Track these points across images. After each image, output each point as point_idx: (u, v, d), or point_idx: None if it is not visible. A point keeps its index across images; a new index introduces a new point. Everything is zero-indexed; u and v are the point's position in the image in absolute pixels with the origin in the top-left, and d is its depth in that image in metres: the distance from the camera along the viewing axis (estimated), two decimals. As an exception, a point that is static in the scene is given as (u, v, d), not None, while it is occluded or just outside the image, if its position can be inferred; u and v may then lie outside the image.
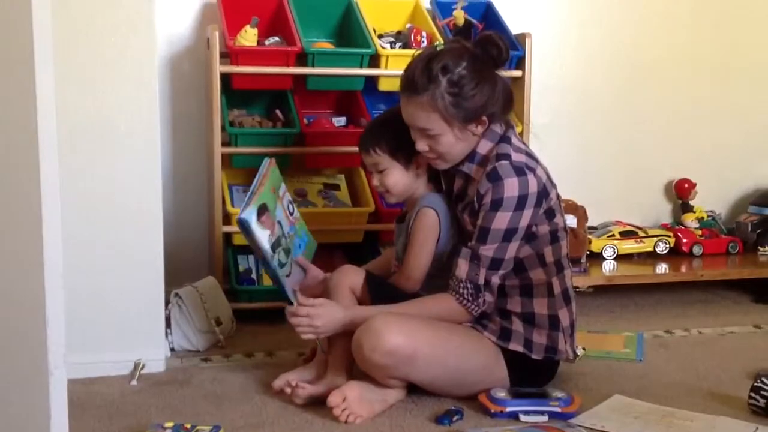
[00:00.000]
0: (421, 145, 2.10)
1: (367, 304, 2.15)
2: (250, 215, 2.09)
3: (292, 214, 2.32)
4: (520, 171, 2.02)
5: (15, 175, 1.47)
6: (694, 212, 3.39)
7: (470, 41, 2.11)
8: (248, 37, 2.76)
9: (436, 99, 2.01)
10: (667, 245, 3.25)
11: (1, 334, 1.52)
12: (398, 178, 2.20)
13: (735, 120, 3.54)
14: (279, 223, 2.21)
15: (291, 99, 2.91)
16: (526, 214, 2.03)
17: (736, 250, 3.32)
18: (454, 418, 1.97)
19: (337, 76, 2.85)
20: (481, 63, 2.05)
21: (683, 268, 3.16)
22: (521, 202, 2.01)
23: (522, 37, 2.98)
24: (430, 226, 2.17)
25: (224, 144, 2.77)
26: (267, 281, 2.83)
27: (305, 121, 2.90)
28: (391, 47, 2.91)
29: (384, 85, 2.89)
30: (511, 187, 2.00)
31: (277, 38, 2.87)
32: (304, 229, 2.38)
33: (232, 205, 2.78)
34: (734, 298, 3.19)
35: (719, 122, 3.53)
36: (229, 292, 2.73)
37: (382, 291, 2.17)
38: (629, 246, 3.21)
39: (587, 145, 3.39)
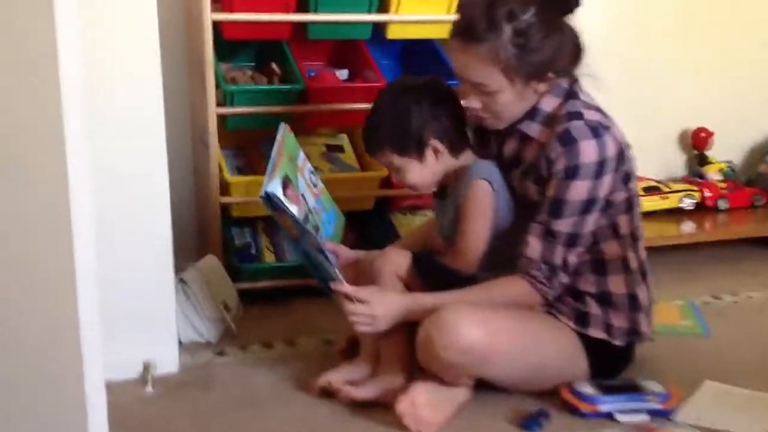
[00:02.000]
0: (473, 102, 1.81)
1: (417, 290, 1.85)
2: (276, 188, 1.75)
3: (315, 186, 2.00)
4: (596, 131, 1.73)
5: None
6: (712, 163, 3.17)
7: None
8: (242, -21, 2.37)
9: (498, 50, 1.71)
10: (694, 200, 3.01)
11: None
12: (418, 174, 1.90)
13: (747, 65, 3.29)
14: (303, 196, 1.89)
15: (288, 50, 2.54)
16: (606, 181, 1.75)
17: (761, 203, 3.11)
18: (542, 422, 1.69)
19: (342, 23, 2.49)
20: (550, 9, 1.74)
21: (711, 225, 2.95)
22: (600, 168, 1.73)
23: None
24: (484, 199, 1.86)
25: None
26: (270, 257, 2.50)
27: (307, 75, 2.53)
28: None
29: (393, 33, 2.54)
30: (588, 151, 1.72)
31: (270, -19, 2.48)
32: (331, 203, 2.06)
33: (230, 173, 2.43)
34: (763, 254, 2.98)
35: (731, 67, 3.27)
36: (229, 272, 2.38)
37: (434, 275, 1.86)
38: (653, 203, 2.95)
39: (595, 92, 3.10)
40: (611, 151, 1.74)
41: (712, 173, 3.13)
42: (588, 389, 1.75)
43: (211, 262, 2.32)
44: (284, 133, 1.94)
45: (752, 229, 2.95)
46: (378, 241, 2.58)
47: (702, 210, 3.03)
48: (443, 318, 1.70)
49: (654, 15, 3.14)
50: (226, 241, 2.47)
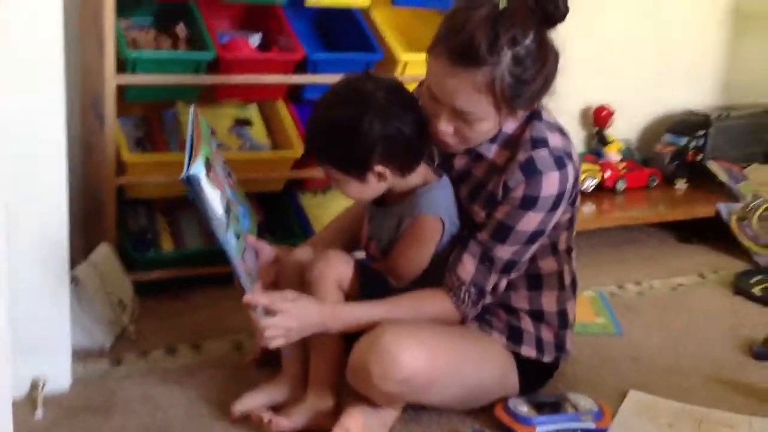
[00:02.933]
0: (445, 127, 1.63)
1: (354, 299, 1.74)
2: (200, 170, 1.57)
3: (229, 175, 1.84)
4: (560, 162, 1.64)
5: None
6: (611, 142, 3.19)
7: None
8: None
9: (495, 78, 1.54)
10: (595, 180, 3.03)
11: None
12: (357, 191, 1.73)
13: (643, 41, 3.31)
14: (223, 184, 1.73)
15: (197, 10, 2.32)
16: (559, 212, 1.69)
17: (656, 183, 3.17)
18: (480, 443, 1.66)
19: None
20: (543, 30, 1.58)
21: (609, 207, 2.98)
22: (558, 201, 1.65)
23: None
24: (431, 235, 1.72)
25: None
26: (168, 242, 2.33)
27: (218, 40, 2.33)
28: (316, -48, 2.38)
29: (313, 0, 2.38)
30: (550, 184, 1.63)
31: (180, -66, 2.25)
32: (243, 197, 1.90)
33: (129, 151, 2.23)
34: (659, 237, 3.06)
35: (629, 43, 3.28)
36: (122, 261, 2.17)
37: (373, 285, 1.75)
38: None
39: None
40: (571, 181, 1.67)
41: (612, 153, 3.15)
42: (523, 408, 1.73)
43: (105, 252, 2.10)
44: (197, 116, 1.74)
45: (647, 215, 2.99)
46: (286, 224, 2.47)
47: (601, 191, 3.05)
48: (381, 345, 1.58)
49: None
50: (119, 226, 2.26)
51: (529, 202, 1.63)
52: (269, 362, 1.87)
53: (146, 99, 2.29)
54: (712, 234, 2.98)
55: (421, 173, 1.74)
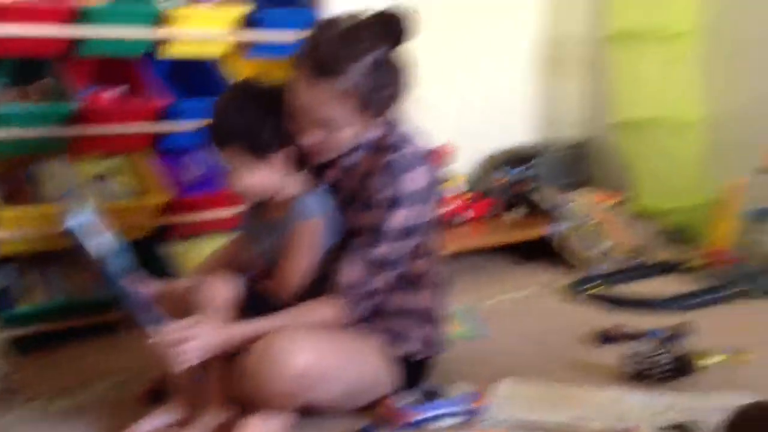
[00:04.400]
0: (311, 137, 1.80)
1: (239, 319, 1.84)
2: (79, 219, 1.68)
3: (102, 221, 1.91)
4: (419, 162, 1.85)
5: None
6: (454, 177, 3.46)
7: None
8: (7, -10, 2.19)
9: (350, 87, 1.73)
10: (445, 212, 3.26)
11: None
12: (260, 177, 1.84)
13: (475, 81, 3.64)
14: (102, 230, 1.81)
15: (57, 67, 2.38)
16: (426, 208, 1.88)
17: (495, 213, 3.44)
18: (376, 437, 1.79)
19: (116, 39, 2.37)
20: (392, 45, 1.80)
21: (457, 236, 3.20)
22: (420, 198, 1.84)
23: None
24: (313, 240, 1.87)
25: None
26: (39, 297, 2.31)
27: (79, 94, 2.38)
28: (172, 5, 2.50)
29: (173, 50, 2.48)
30: (411, 181, 1.82)
31: (37, -7, 2.32)
32: (118, 239, 1.98)
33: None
34: (501, 261, 3.32)
35: (463, 83, 3.60)
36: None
37: (256, 301, 1.88)
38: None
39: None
40: (431, 179, 1.86)
41: (456, 186, 3.41)
42: (405, 400, 1.87)
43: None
44: (70, 167, 1.82)
45: (490, 240, 3.26)
46: (153, 272, 2.50)
47: (448, 221, 3.27)
48: (273, 348, 1.71)
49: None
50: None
51: (395, 201, 1.81)
52: (159, 396, 1.92)
53: (8, 153, 2.29)
54: (548, 253, 3.27)
55: (299, 183, 1.89)
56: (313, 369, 1.73)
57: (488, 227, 3.35)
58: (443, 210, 3.22)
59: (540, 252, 3.29)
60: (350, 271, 1.84)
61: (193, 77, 2.65)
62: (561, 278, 3.05)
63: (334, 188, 1.92)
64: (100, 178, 2.47)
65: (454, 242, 3.12)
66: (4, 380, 2.02)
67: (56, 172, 1.75)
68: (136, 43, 2.42)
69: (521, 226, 3.36)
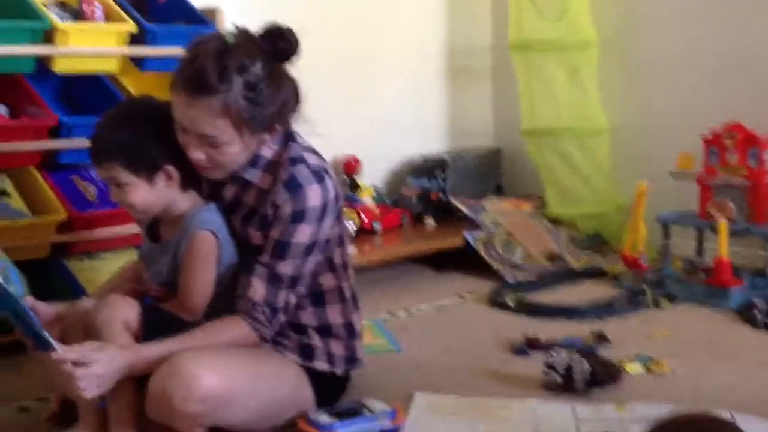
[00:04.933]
0: (197, 154, 1.75)
1: (140, 340, 1.76)
2: None
3: None
4: (319, 176, 1.79)
5: None
6: (362, 188, 3.41)
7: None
8: None
9: (229, 103, 1.68)
10: (356, 225, 3.22)
11: None
12: (142, 195, 1.79)
13: (382, 95, 3.61)
14: None
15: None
16: (327, 223, 1.82)
17: (407, 222, 3.42)
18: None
19: (3, 56, 2.27)
20: (273, 60, 1.75)
21: (370, 247, 3.16)
22: (323, 212, 1.79)
23: (211, 13, 2.68)
24: (208, 252, 1.81)
25: None
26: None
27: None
28: (60, 21, 2.40)
29: (61, 66, 2.40)
30: (313, 195, 1.77)
31: None
32: (6, 259, 1.87)
33: None
34: (417, 270, 3.29)
35: (370, 97, 3.57)
36: None
37: (159, 324, 1.78)
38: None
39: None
40: (332, 194, 1.81)
41: (365, 198, 3.37)
42: (323, 418, 1.81)
43: None
44: None
45: (407, 250, 3.22)
46: (56, 290, 2.40)
47: (360, 234, 3.24)
48: (180, 369, 1.63)
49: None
50: None
51: (297, 216, 1.76)
52: (67, 415, 1.84)
53: None
54: (464, 263, 3.24)
55: (191, 199, 1.84)
56: (220, 390, 1.66)
57: (401, 238, 3.31)
58: (351, 222, 3.17)
59: (455, 261, 3.27)
60: (255, 289, 1.77)
61: (88, 93, 2.55)
62: (480, 287, 3.03)
63: (233, 205, 1.86)
64: (-8, 197, 2.37)
65: (366, 254, 3.09)
66: None
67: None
68: (23, 59, 2.32)
69: (434, 236, 3.34)
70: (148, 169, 1.77)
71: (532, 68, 3.48)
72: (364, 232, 3.26)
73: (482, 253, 3.23)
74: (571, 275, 3.17)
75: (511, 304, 2.80)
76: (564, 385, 2.05)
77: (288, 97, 1.77)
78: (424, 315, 2.76)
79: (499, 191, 3.77)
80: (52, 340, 1.63)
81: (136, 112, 1.83)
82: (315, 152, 1.87)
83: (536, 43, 3.42)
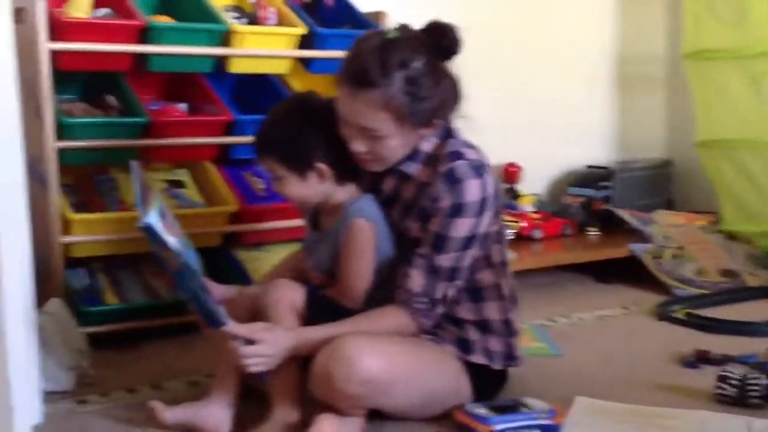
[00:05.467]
0: (358, 146, 1.79)
1: (304, 324, 1.81)
2: (154, 218, 1.66)
3: (174, 225, 1.90)
4: (478, 171, 1.79)
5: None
6: (523, 196, 3.37)
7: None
8: (80, 6, 2.24)
9: (390, 97, 1.72)
10: (514, 231, 3.18)
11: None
12: (296, 189, 1.87)
13: (548, 105, 3.57)
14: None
15: (125, 82, 2.41)
16: (486, 218, 1.81)
17: (569, 232, 3.34)
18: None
19: (183, 56, 2.41)
20: (436, 56, 1.78)
21: (529, 253, 3.11)
22: (483, 206, 1.79)
23: (377, 16, 2.74)
24: (366, 239, 1.85)
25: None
26: (113, 299, 2.34)
27: (149, 108, 2.41)
28: (237, 24, 2.52)
29: (236, 67, 2.51)
30: (472, 190, 1.77)
31: (108, 10, 2.36)
32: (188, 242, 1.96)
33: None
34: (578, 280, 3.21)
35: (536, 106, 3.53)
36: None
37: (322, 308, 1.83)
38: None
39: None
40: (491, 189, 1.80)
41: (526, 205, 3.33)
42: (481, 410, 1.78)
43: (57, 304, 2.12)
44: (140, 171, 1.84)
45: (568, 257, 3.15)
46: (225, 278, 2.50)
47: (519, 240, 3.20)
48: (343, 350, 1.67)
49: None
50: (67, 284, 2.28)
51: (456, 210, 1.76)
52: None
53: (83, 163, 2.35)
54: (627, 274, 3.14)
55: (349, 191, 1.89)
56: (381, 374, 1.68)
57: (562, 246, 3.24)
58: (512, 226, 3.14)
59: (618, 273, 3.17)
60: (414, 280, 1.79)
61: (258, 92, 2.66)
62: (642, 299, 2.92)
63: (392, 198, 1.89)
64: (171, 186, 2.51)
65: (525, 260, 3.04)
66: (81, 375, 2.05)
67: (134, 175, 1.75)
68: (202, 59, 2.44)
69: (597, 246, 3.25)
70: (300, 166, 1.84)
71: (708, 78, 3.32)
72: (524, 239, 3.22)
73: (650, 265, 3.11)
74: (746, 293, 3.00)
75: (680, 317, 2.68)
76: (738, 399, 1.94)
77: (448, 93, 1.79)
78: (585, 323, 2.68)
79: (669, 205, 3.63)
80: (225, 315, 1.71)
81: (297, 109, 1.89)
82: (474, 148, 1.86)
83: (713, 51, 3.26)
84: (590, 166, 3.56)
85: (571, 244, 3.27)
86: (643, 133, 3.83)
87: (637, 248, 3.17)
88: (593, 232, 3.37)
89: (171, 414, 1.77)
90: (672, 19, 3.71)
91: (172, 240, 1.69)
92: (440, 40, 1.77)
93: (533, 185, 3.51)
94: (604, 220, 3.41)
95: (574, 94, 3.65)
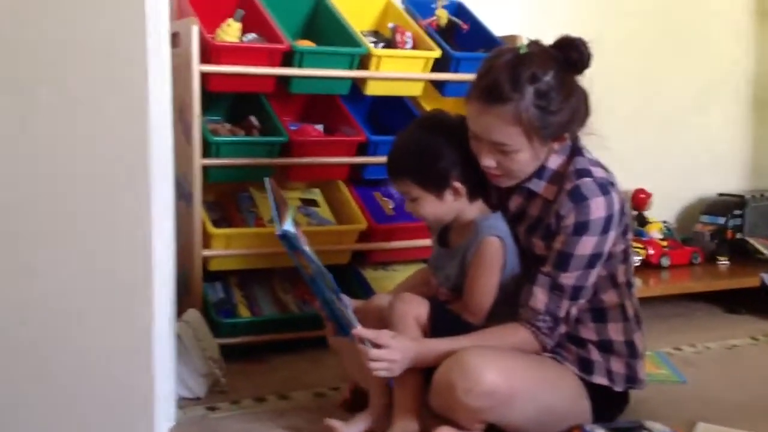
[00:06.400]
0: (488, 161, 1.83)
1: (427, 336, 1.88)
2: (291, 226, 1.75)
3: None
4: (604, 189, 1.81)
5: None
6: (651, 223, 3.35)
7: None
8: (231, 32, 2.40)
9: (521, 111, 1.75)
10: (640, 257, 3.17)
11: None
12: (432, 208, 1.92)
13: (679, 130, 3.53)
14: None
15: (267, 104, 2.56)
16: (611, 236, 1.82)
17: (699, 260, 3.29)
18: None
19: (324, 78, 2.53)
20: (566, 70, 1.81)
21: (656, 281, 3.09)
22: (607, 224, 1.80)
23: (510, 40, 2.79)
24: (495, 256, 1.88)
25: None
26: (245, 312, 2.47)
27: (289, 128, 2.55)
28: (374, 47, 2.63)
29: (372, 89, 2.61)
30: (597, 208, 1.79)
31: (254, 35, 2.51)
32: (319, 259, 2.07)
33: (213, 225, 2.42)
34: (706, 309, 3.16)
35: (667, 132, 3.50)
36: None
37: (446, 322, 1.89)
38: (604, 259, 3.09)
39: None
40: (617, 207, 1.82)
41: (654, 232, 3.30)
42: (599, 431, 1.81)
43: (195, 315, 2.27)
44: (274, 187, 1.91)
45: (696, 285, 3.10)
46: (352, 296, 2.60)
47: (646, 267, 3.18)
48: (465, 362, 1.72)
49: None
50: (205, 296, 2.43)
51: (581, 228, 1.78)
52: (357, 404, 2.00)
53: (226, 180, 2.49)
54: (758, 305, 3.07)
55: (478, 207, 1.94)
56: (502, 387, 1.72)
57: (690, 274, 3.20)
58: (640, 253, 3.12)
59: (749, 304, 3.10)
60: (538, 298, 1.82)
61: (392, 115, 2.75)
62: (775, 331, 2.86)
63: (518, 216, 1.93)
64: (304, 205, 2.63)
65: (652, 287, 3.02)
66: (214, 383, 2.16)
67: (268, 190, 1.87)
68: (340, 82, 2.55)
69: (727, 275, 3.19)
70: (437, 186, 1.89)
71: None
72: (651, 267, 3.20)
73: (783, 296, 3.03)
74: None
75: (813, 350, 2.62)
76: None
77: (578, 107, 1.82)
78: (712, 352, 2.64)
79: (806, 235, 3.52)
80: (355, 319, 1.79)
81: (430, 128, 1.93)
82: (602, 166, 1.88)
83: None
84: (722, 194, 3.50)
85: (700, 273, 3.22)
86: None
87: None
88: (723, 262, 3.31)
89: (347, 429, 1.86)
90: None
91: (307, 248, 1.78)
92: (570, 54, 1.80)
93: (663, 212, 3.48)
94: (735, 250, 3.35)
95: (709, 119, 3.60)
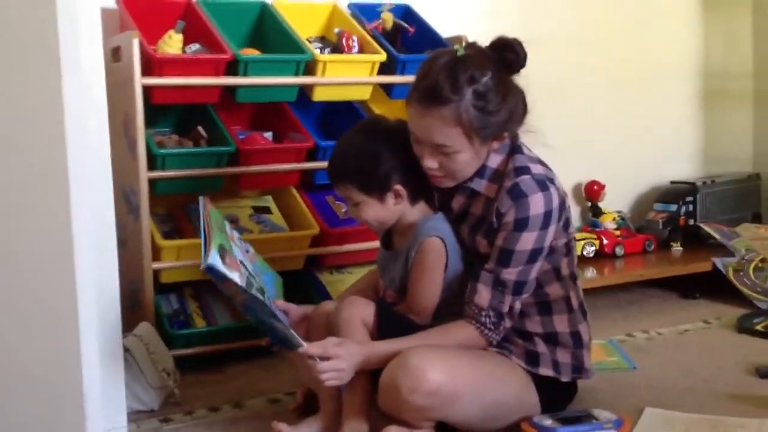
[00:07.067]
0: (430, 163, 1.87)
1: (374, 338, 1.90)
2: (215, 259, 1.73)
3: (248, 251, 2.01)
4: (543, 185, 1.85)
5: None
6: (605, 213, 3.40)
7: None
8: (173, 43, 2.41)
9: (461, 112, 1.79)
10: (594, 248, 3.22)
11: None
12: (374, 212, 1.95)
13: (631, 121, 3.59)
14: (241, 262, 1.89)
15: (215, 114, 2.58)
16: (551, 231, 1.87)
17: (652, 248, 3.35)
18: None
19: (269, 86, 2.55)
20: (502, 71, 1.85)
21: (610, 270, 3.14)
22: (547, 219, 1.84)
23: (458, 41, 2.82)
24: (436, 257, 1.93)
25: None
26: (200, 322, 2.49)
27: (237, 137, 2.57)
28: (320, 53, 2.65)
29: (320, 95, 2.63)
30: (536, 204, 1.83)
31: (197, 45, 2.53)
32: (265, 265, 2.08)
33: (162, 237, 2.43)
34: (661, 295, 3.21)
35: (619, 123, 3.55)
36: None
37: (392, 323, 1.92)
38: (559, 252, 3.14)
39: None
40: (556, 202, 1.86)
41: (607, 222, 3.35)
42: (547, 421, 1.84)
43: (147, 329, 2.28)
44: (206, 206, 1.90)
45: (649, 273, 3.15)
46: (309, 300, 2.62)
47: (600, 257, 3.24)
48: (409, 362, 1.75)
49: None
50: (157, 309, 2.43)
51: (521, 224, 1.82)
52: (310, 408, 2.03)
53: (175, 192, 2.50)
54: (711, 289, 3.13)
55: (420, 210, 1.98)
56: (446, 385, 1.75)
57: (643, 262, 3.25)
58: (594, 242, 3.18)
59: (702, 288, 3.16)
60: (481, 294, 1.86)
61: (341, 120, 2.77)
62: (725, 314, 2.91)
63: (462, 215, 1.96)
64: (257, 212, 2.65)
65: (606, 276, 3.07)
66: (169, 395, 2.18)
67: (200, 212, 1.86)
68: (287, 89, 2.58)
69: (680, 261, 3.25)
70: (378, 190, 1.92)
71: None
72: (606, 257, 3.25)
73: (732, 278, 3.08)
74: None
75: (761, 329, 2.67)
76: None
77: (515, 106, 1.85)
78: (664, 338, 2.69)
79: (756, 219, 3.59)
80: (298, 338, 1.80)
81: (369, 134, 1.96)
82: (541, 162, 1.92)
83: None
84: (674, 182, 3.55)
85: (654, 260, 3.27)
86: (729, 148, 3.80)
87: (720, 262, 3.14)
88: (676, 249, 3.36)
89: None
90: (758, 33, 3.68)
91: (235, 275, 1.76)
92: (506, 55, 1.83)
93: (618, 202, 3.53)
94: (688, 236, 3.40)
95: (659, 110, 3.65)
